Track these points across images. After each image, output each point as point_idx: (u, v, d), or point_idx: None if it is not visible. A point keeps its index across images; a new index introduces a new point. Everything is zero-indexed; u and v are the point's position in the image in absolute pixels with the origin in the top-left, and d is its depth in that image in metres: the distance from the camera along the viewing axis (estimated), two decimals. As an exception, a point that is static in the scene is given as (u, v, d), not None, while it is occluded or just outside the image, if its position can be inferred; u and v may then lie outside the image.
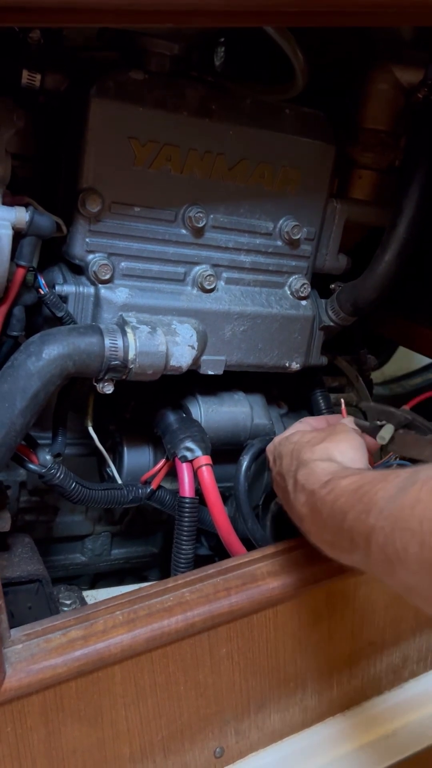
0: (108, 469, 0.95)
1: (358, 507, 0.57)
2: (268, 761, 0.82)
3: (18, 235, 0.77)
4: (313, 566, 0.79)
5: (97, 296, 0.83)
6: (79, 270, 0.86)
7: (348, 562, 0.62)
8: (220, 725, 0.78)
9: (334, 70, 0.95)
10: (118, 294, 0.84)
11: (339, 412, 0.89)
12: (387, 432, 0.84)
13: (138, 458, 0.96)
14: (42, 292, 0.81)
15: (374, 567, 0.56)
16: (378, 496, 0.55)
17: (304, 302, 0.97)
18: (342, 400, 0.91)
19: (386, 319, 1.21)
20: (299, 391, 1.09)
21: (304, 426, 0.85)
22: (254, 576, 0.77)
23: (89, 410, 0.91)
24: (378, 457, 0.90)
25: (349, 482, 0.61)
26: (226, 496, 0.94)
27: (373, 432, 0.86)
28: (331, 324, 1.00)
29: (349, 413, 0.88)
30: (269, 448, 0.84)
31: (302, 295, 0.96)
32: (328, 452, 0.71)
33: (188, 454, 0.86)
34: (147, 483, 0.92)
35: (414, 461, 0.83)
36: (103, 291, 0.83)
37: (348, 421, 0.83)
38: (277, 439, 0.83)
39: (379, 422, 0.88)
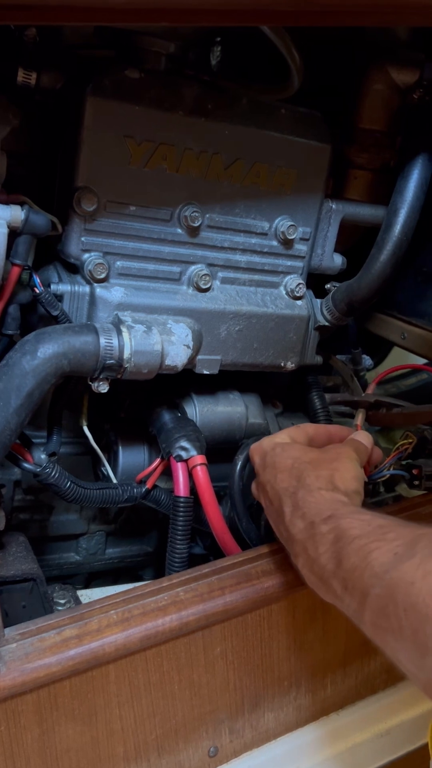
0: (103, 468, 0.95)
1: (353, 559, 0.57)
2: (262, 760, 0.82)
3: (13, 234, 0.77)
4: (307, 565, 0.79)
5: (92, 295, 0.83)
6: (74, 269, 0.85)
7: (329, 600, 0.62)
8: (214, 724, 0.79)
9: (330, 70, 0.95)
10: (113, 293, 0.84)
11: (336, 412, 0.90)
12: (360, 418, 0.92)
13: (133, 457, 0.96)
14: (37, 291, 0.81)
15: (365, 625, 0.56)
16: (373, 557, 0.56)
17: (299, 302, 0.97)
18: (360, 416, 0.90)
19: (381, 319, 1.21)
20: (294, 391, 1.09)
21: (300, 434, 0.81)
22: (249, 575, 0.77)
23: (84, 409, 0.91)
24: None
25: (349, 526, 0.61)
26: (221, 495, 0.94)
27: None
28: (326, 324, 1.00)
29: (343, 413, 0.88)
30: (255, 447, 0.80)
31: (297, 294, 0.96)
32: (332, 480, 0.69)
33: (183, 454, 0.86)
34: (142, 482, 0.92)
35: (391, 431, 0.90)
36: (99, 290, 0.83)
37: (364, 437, 0.81)
38: (267, 443, 0.79)
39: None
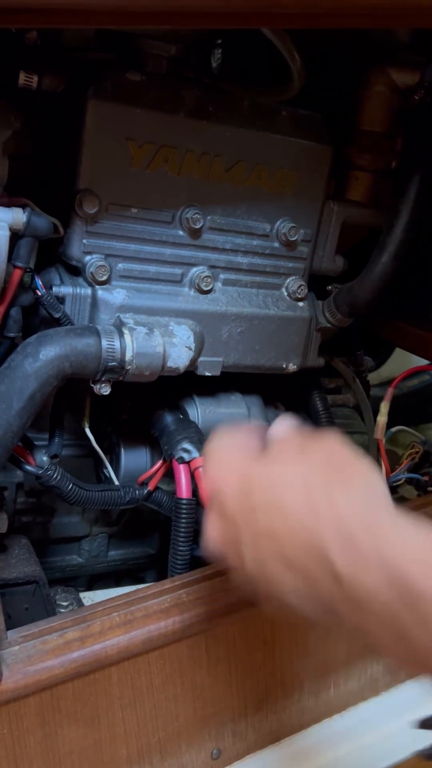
0: (105, 471, 0.95)
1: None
2: (265, 763, 0.82)
3: (15, 236, 0.77)
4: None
5: (94, 297, 0.83)
6: (76, 271, 0.86)
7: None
8: (217, 727, 0.78)
9: (331, 72, 0.95)
10: (115, 295, 0.84)
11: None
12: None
13: (135, 459, 0.96)
14: (39, 294, 0.81)
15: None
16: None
17: (301, 303, 0.97)
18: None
19: (383, 321, 1.21)
20: (296, 393, 1.09)
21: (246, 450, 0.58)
22: (251, 577, 0.77)
23: (86, 411, 0.91)
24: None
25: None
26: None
27: None
28: (328, 325, 1.00)
29: (345, 415, 0.88)
30: (222, 480, 0.56)
31: (299, 296, 0.96)
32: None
33: (185, 456, 0.86)
34: (144, 484, 0.91)
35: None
36: (101, 292, 0.83)
37: (288, 421, 0.61)
38: (237, 472, 0.54)
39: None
